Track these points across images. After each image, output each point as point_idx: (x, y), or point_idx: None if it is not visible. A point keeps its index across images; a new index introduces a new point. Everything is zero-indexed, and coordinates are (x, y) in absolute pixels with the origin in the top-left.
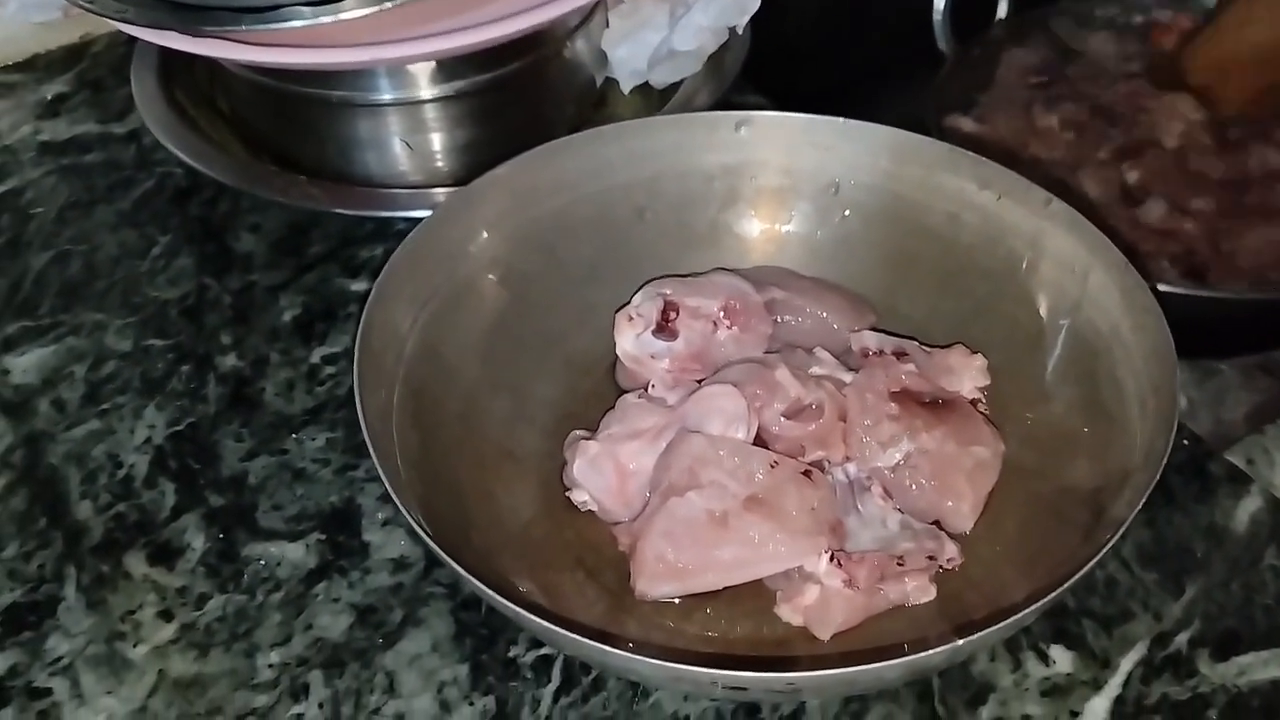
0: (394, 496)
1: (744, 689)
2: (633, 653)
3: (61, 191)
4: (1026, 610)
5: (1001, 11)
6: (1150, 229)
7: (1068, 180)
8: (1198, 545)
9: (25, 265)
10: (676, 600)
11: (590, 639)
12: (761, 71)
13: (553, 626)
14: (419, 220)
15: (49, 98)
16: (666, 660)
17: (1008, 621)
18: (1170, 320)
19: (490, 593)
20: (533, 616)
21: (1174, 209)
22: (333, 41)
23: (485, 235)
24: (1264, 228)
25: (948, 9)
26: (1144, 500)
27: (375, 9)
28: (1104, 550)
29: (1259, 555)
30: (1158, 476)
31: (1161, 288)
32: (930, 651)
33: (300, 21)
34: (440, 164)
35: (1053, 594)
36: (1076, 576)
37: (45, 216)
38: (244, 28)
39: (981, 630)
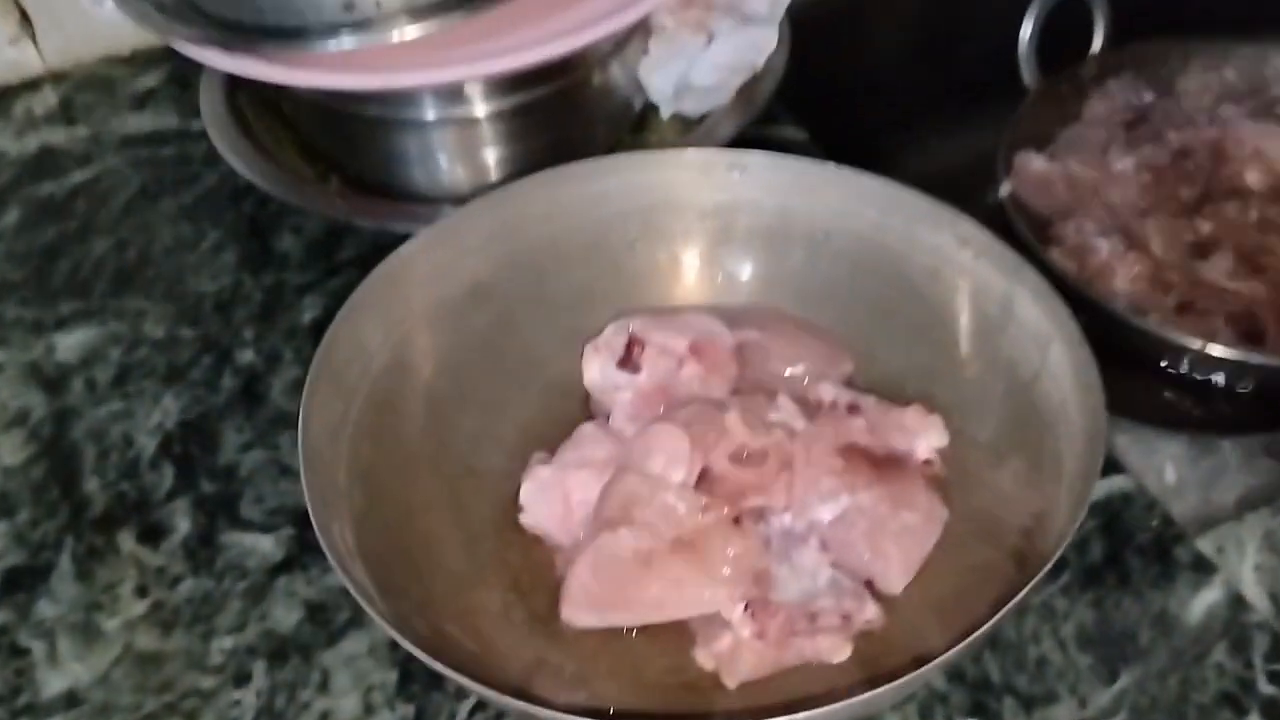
0: (313, 517)
1: None
2: (512, 697)
3: (134, 182)
4: (882, 689)
5: (1096, 45)
6: (1211, 285)
7: (1133, 226)
8: (1144, 633)
9: (89, 250)
10: (601, 630)
11: (486, 686)
12: (813, 102)
13: (451, 672)
14: None
15: (141, 91)
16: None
17: (866, 696)
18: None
19: (380, 618)
20: (431, 659)
21: (1242, 267)
22: (367, 65)
23: (473, 257)
24: None
25: (1034, 40)
26: (1039, 578)
27: (400, 35)
28: (974, 637)
29: (1206, 650)
30: (1049, 564)
31: (1212, 350)
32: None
33: (328, 46)
34: (484, 179)
35: (904, 678)
36: (933, 664)
37: (115, 205)
38: (270, 48)
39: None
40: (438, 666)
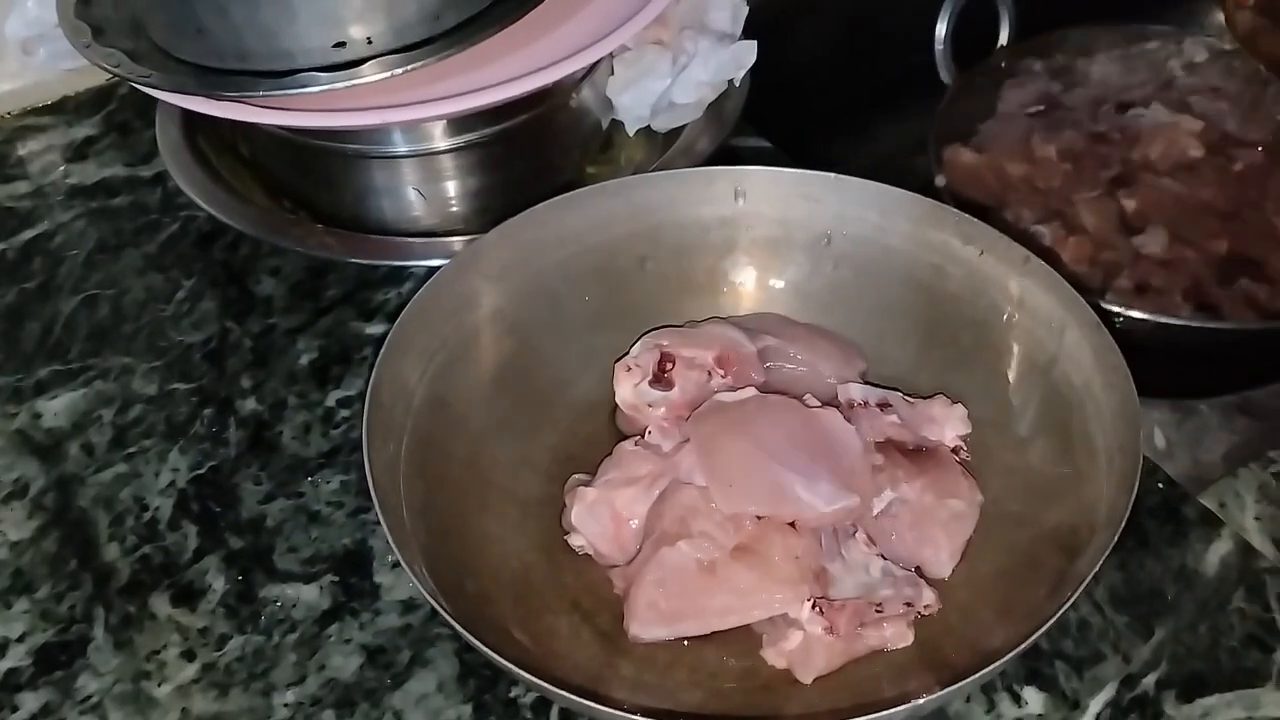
0: (398, 555)
1: None
2: (609, 706)
3: (90, 235)
4: (966, 680)
5: (1003, 39)
6: (1155, 260)
7: (1065, 210)
8: (1168, 588)
9: (56, 309)
10: (668, 642)
11: (573, 693)
12: (762, 110)
13: (540, 682)
14: (430, 267)
15: (78, 140)
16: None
17: (950, 689)
18: (1178, 352)
19: (487, 650)
20: (523, 673)
21: (1175, 238)
22: (347, 104)
23: (491, 288)
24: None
25: (949, 37)
26: (1103, 560)
27: (387, 75)
28: (1060, 611)
29: (1227, 598)
30: (1116, 537)
31: (1168, 320)
32: (885, 713)
33: (316, 87)
34: (452, 209)
35: (991, 665)
36: (1022, 646)
37: (75, 260)
38: (262, 93)
39: (925, 696)
40: (556, 692)
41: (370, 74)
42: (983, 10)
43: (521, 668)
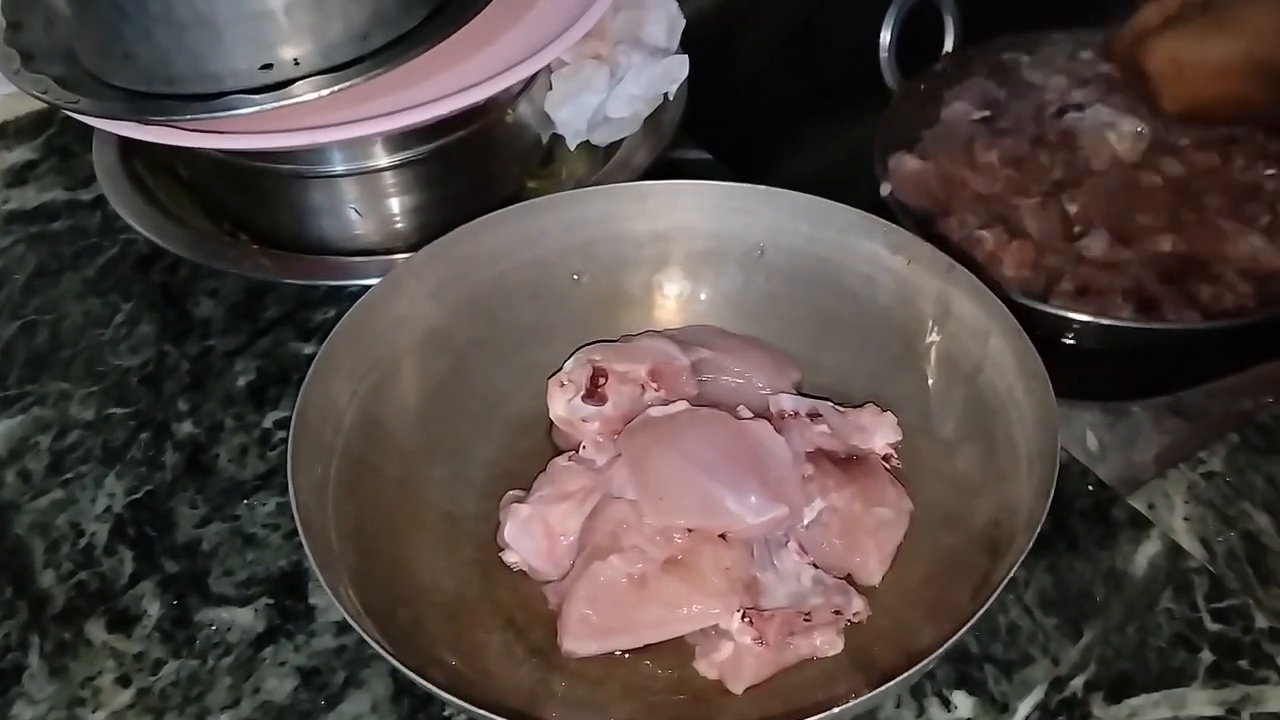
0: (320, 577)
1: None
2: None
3: (29, 260)
4: (888, 684)
5: (948, 45)
6: (1097, 263)
7: (1009, 215)
8: (1097, 589)
9: None
10: (601, 656)
11: (500, 715)
12: (703, 122)
13: (465, 704)
14: (368, 285)
15: (18, 165)
16: None
17: (873, 693)
18: (1121, 354)
19: (410, 673)
20: (449, 696)
21: (1117, 240)
22: (279, 126)
23: (424, 306)
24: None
25: (893, 44)
26: (1019, 564)
27: (316, 95)
28: (978, 615)
29: (1155, 599)
30: (1032, 542)
31: (1109, 321)
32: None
33: (246, 109)
34: (394, 226)
35: (911, 669)
36: (941, 650)
37: (14, 286)
38: (190, 116)
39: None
40: (483, 714)
41: (300, 94)
42: (928, 17)
43: (449, 689)
